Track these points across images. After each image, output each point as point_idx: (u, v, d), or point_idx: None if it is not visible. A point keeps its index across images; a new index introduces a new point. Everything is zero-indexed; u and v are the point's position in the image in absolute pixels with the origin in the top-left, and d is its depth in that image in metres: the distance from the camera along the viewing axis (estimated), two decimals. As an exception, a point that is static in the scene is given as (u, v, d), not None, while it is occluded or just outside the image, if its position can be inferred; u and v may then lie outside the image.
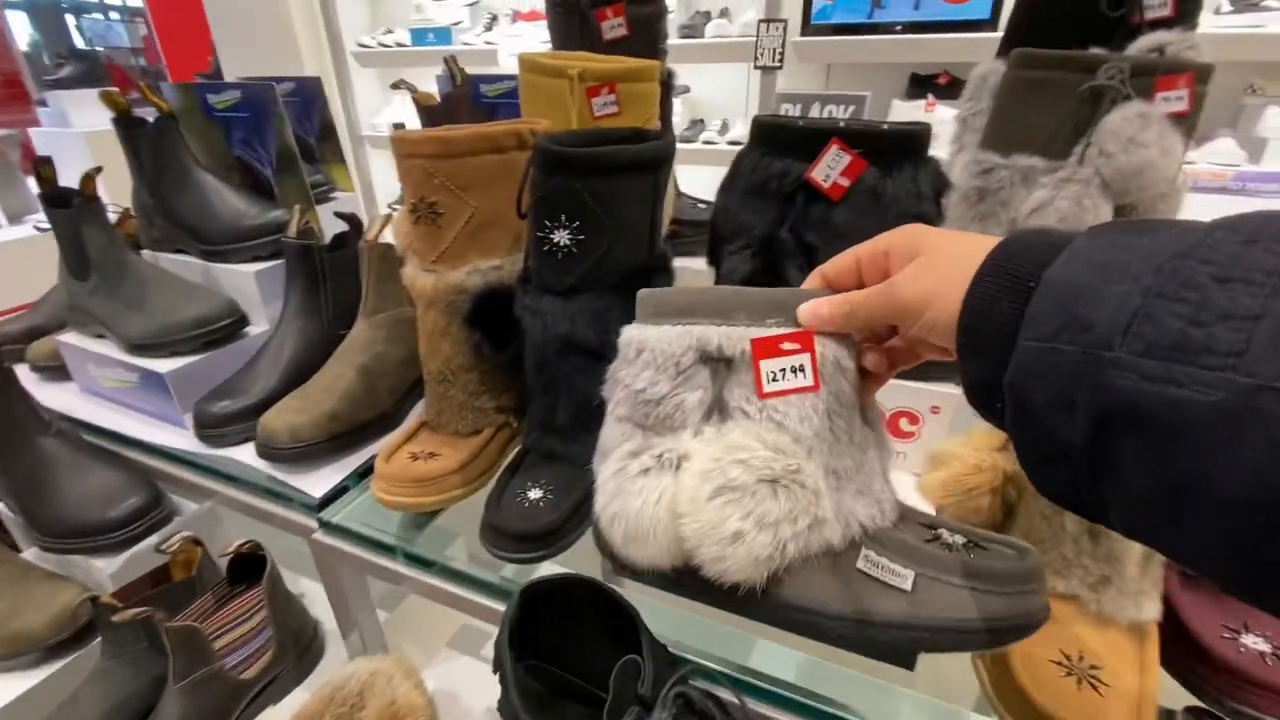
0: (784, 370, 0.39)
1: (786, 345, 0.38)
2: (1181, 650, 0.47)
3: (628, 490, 0.41)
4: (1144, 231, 0.24)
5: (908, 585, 0.38)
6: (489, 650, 0.86)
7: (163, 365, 0.81)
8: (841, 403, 0.39)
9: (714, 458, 0.38)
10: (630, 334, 0.43)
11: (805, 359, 0.38)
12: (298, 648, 0.78)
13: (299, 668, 0.79)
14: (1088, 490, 0.25)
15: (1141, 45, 0.66)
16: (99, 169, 0.84)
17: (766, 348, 0.39)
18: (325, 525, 0.68)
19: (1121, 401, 0.22)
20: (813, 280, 0.40)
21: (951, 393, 0.56)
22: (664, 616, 0.54)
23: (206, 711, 0.68)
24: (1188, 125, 0.62)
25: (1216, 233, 0.22)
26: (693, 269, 0.87)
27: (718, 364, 0.40)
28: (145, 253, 0.97)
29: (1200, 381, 0.20)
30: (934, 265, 0.32)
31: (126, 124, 0.89)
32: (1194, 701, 0.47)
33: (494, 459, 0.69)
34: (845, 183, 0.52)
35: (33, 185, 2.11)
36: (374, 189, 2.89)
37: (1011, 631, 0.36)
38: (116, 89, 0.92)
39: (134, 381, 0.84)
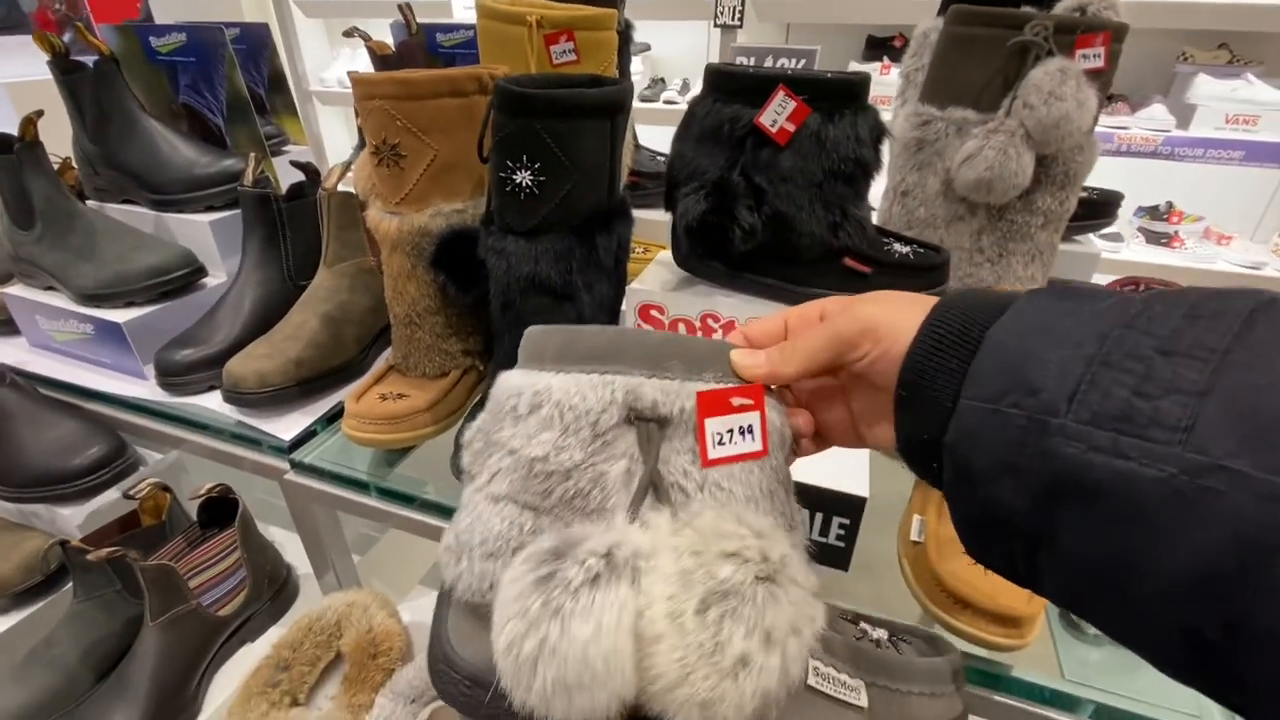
0: (730, 432, 0.31)
1: (737, 400, 0.31)
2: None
3: (567, 612, 0.26)
4: (1084, 299, 0.24)
5: (863, 700, 0.33)
6: (460, 585, 0.89)
7: (119, 315, 0.81)
8: (779, 478, 0.33)
9: (692, 551, 0.28)
10: (515, 381, 0.33)
11: (755, 418, 0.31)
12: (272, 588, 0.81)
13: (274, 607, 0.81)
14: (1024, 560, 0.24)
15: (1065, 5, 0.70)
16: (40, 112, 0.81)
17: (714, 404, 0.31)
18: (297, 465, 0.70)
19: (1067, 470, 0.21)
20: (734, 339, 0.34)
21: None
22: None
23: (185, 647, 0.70)
24: (1103, 81, 0.68)
25: (1156, 305, 0.22)
26: (652, 220, 0.90)
27: (649, 425, 0.31)
28: (90, 203, 0.95)
29: (1149, 455, 0.20)
30: (878, 301, 0.30)
31: (64, 68, 0.86)
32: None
33: (461, 400, 0.72)
34: (791, 128, 0.55)
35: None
36: (324, 147, 2.79)
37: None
38: (49, 31, 0.89)
39: (88, 333, 0.83)
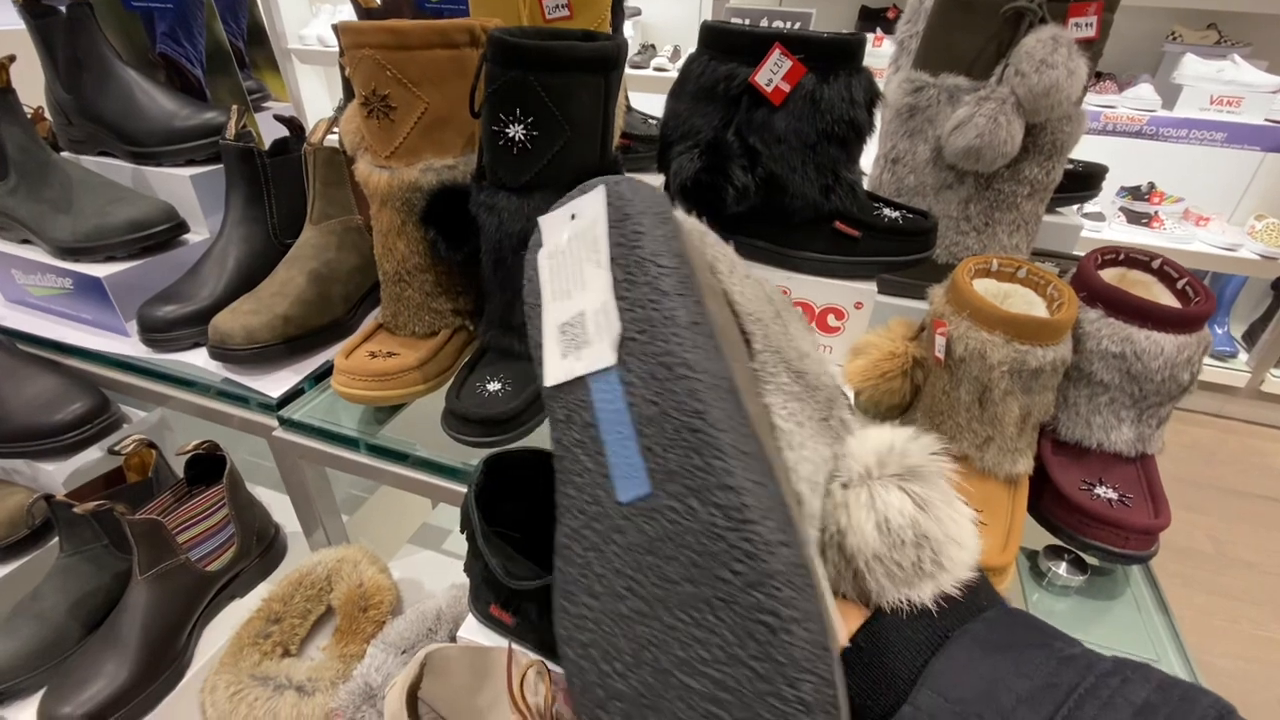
0: None
1: None
2: (1047, 500, 0.56)
3: None
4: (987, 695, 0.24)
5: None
6: (449, 544, 0.91)
7: (99, 270, 0.79)
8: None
9: None
10: None
11: None
12: (260, 545, 0.81)
13: (263, 564, 0.82)
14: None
15: (1060, -28, 0.70)
16: (12, 57, 0.78)
17: None
18: (285, 422, 0.70)
19: None
20: None
21: (868, 289, 0.62)
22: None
23: (174, 600, 0.71)
24: (1094, 51, 0.68)
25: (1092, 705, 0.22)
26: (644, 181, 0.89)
27: None
28: (66, 155, 0.92)
29: None
30: None
31: (35, 12, 0.83)
32: (1053, 541, 0.56)
33: (451, 360, 0.72)
34: (786, 87, 0.55)
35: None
36: (304, 107, 2.71)
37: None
38: (17, -28, 0.85)
39: (67, 288, 0.82)
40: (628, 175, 0.61)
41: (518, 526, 0.61)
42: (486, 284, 0.65)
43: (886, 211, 0.62)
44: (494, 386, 0.62)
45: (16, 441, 0.75)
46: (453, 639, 0.69)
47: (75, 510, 0.66)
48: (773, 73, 0.55)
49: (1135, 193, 2.20)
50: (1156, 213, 2.15)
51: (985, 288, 0.58)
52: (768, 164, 0.57)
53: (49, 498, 0.70)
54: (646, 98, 1.64)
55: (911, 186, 0.74)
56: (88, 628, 0.71)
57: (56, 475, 0.78)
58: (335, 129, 0.77)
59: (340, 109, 0.90)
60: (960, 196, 0.74)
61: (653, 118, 0.99)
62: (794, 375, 0.36)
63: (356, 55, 0.57)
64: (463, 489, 0.65)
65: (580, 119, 0.57)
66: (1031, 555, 0.57)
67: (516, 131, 0.55)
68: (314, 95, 2.77)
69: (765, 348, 0.37)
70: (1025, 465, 0.54)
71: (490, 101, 0.54)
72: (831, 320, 0.64)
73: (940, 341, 0.54)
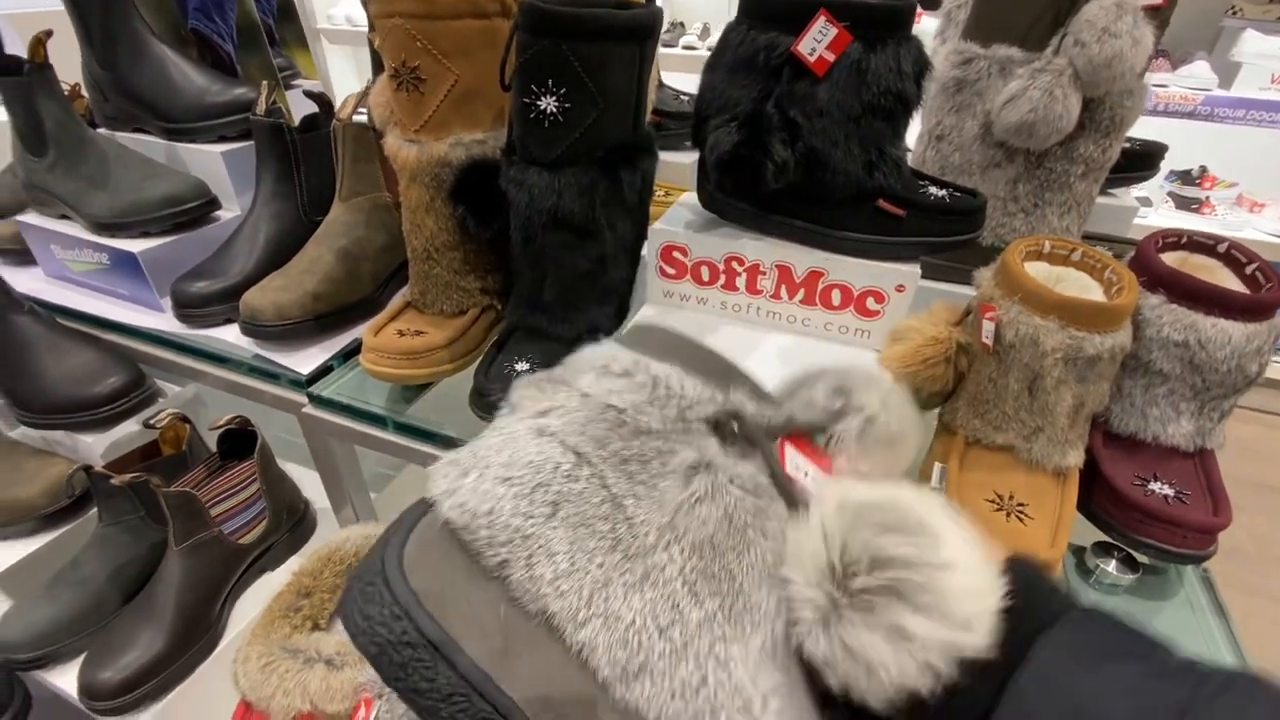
0: (801, 472, 0.32)
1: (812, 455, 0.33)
2: (1097, 495, 0.53)
3: None
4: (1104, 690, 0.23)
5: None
6: (475, 524, 0.91)
7: (134, 245, 0.80)
8: None
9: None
10: (610, 349, 0.33)
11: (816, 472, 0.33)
12: (290, 519, 0.82)
13: (292, 538, 0.83)
14: None
15: (1125, -67, 0.66)
16: (49, 32, 0.79)
17: (798, 444, 0.32)
18: (315, 399, 0.70)
19: None
20: None
21: (912, 270, 0.60)
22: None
23: (208, 572, 0.72)
24: (1161, 19, 0.64)
25: None
26: (674, 162, 0.87)
27: (736, 437, 0.31)
28: (101, 131, 0.93)
29: None
30: None
31: (71, -14, 0.83)
32: (1102, 538, 0.54)
33: (479, 340, 0.71)
34: (830, 57, 0.52)
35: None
36: (332, 87, 2.72)
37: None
38: (53, -53, 0.85)
39: (104, 263, 0.83)
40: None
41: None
42: (515, 262, 0.64)
43: (932, 189, 0.59)
44: (522, 367, 0.62)
45: (57, 413, 0.77)
46: (478, 618, 0.69)
47: (112, 481, 0.67)
48: (816, 41, 0.52)
49: (1185, 177, 2.10)
50: (1207, 198, 2.05)
51: (1037, 271, 0.55)
52: (808, 138, 0.54)
53: (88, 468, 0.72)
54: (675, 77, 1.60)
55: (957, 165, 0.71)
56: (126, 596, 0.73)
57: (95, 447, 0.79)
58: (363, 106, 0.76)
59: (370, 85, 0.89)
60: (1009, 175, 0.70)
61: (684, 94, 0.96)
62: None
63: (386, 25, 0.55)
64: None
65: (613, 91, 0.55)
66: (1078, 551, 0.55)
67: (548, 103, 0.53)
68: (342, 75, 2.76)
69: None
70: (1076, 458, 0.52)
71: (521, 71, 0.53)
72: (871, 303, 0.62)
73: (989, 326, 0.52)
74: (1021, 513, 0.50)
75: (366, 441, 0.70)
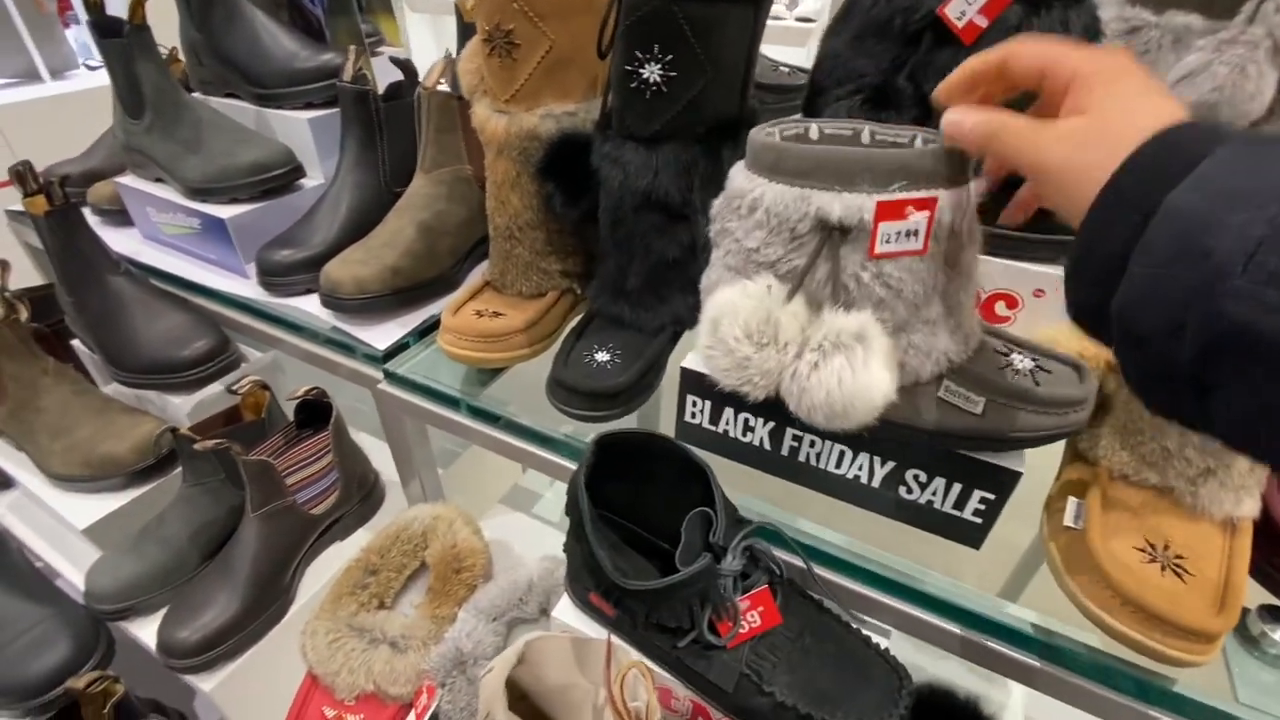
0: (899, 234, 0.38)
1: (910, 210, 0.37)
2: (1268, 550, 0.45)
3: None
4: (1275, 154, 0.24)
5: (979, 410, 0.43)
6: (540, 509, 0.89)
7: (224, 211, 0.80)
8: (947, 261, 0.40)
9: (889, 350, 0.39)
10: (741, 184, 0.42)
11: (922, 223, 0.37)
12: (360, 491, 0.83)
13: (361, 510, 0.83)
14: (1195, 407, 0.25)
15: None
16: (148, -8, 0.79)
17: (890, 211, 0.37)
18: (390, 376, 0.69)
19: (1238, 329, 0.22)
20: (963, 68, 0.36)
21: (1056, 274, 0.52)
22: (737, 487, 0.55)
23: (282, 540, 0.73)
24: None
25: None
26: (769, 140, 0.81)
27: (833, 231, 0.38)
28: (196, 95, 0.94)
29: None
30: (1089, 143, 0.29)
31: (171, -53, 0.83)
32: (1273, 601, 0.46)
33: (557, 324, 0.68)
34: (983, 22, 0.45)
35: (71, 37, 2.04)
36: (412, 57, 2.74)
37: (1051, 438, 0.43)
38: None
39: (195, 227, 0.84)
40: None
41: (623, 511, 0.57)
42: (602, 244, 0.59)
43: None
44: (602, 357, 0.58)
45: (147, 373, 0.79)
46: (543, 611, 0.67)
47: (195, 446, 0.68)
48: (968, 2, 0.45)
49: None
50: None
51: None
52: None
53: (174, 430, 0.73)
54: (765, 50, 1.49)
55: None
56: (205, 555, 0.75)
57: (182, 407, 0.81)
58: (447, 75, 0.73)
59: (450, 55, 0.87)
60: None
61: (785, 65, 0.89)
62: None
63: (482, -16, 0.51)
64: (560, 460, 0.62)
65: (724, 58, 0.50)
66: (1240, 614, 0.47)
67: (652, 72, 0.48)
68: (422, 45, 2.77)
69: None
70: (1251, 506, 0.44)
71: (626, 36, 0.48)
72: (1000, 309, 0.55)
73: (1153, 346, 0.44)
74: (1180, 567, 0.42)
75: (438, 421, 0.68)
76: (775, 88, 0.84)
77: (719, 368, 0.41)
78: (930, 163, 0.37)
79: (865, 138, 0.44)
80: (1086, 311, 0.29)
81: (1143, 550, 0.43)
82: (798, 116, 0.47)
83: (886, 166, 0.37)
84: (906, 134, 0.43)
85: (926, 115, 0.49)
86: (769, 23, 1.60)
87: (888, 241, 0.38)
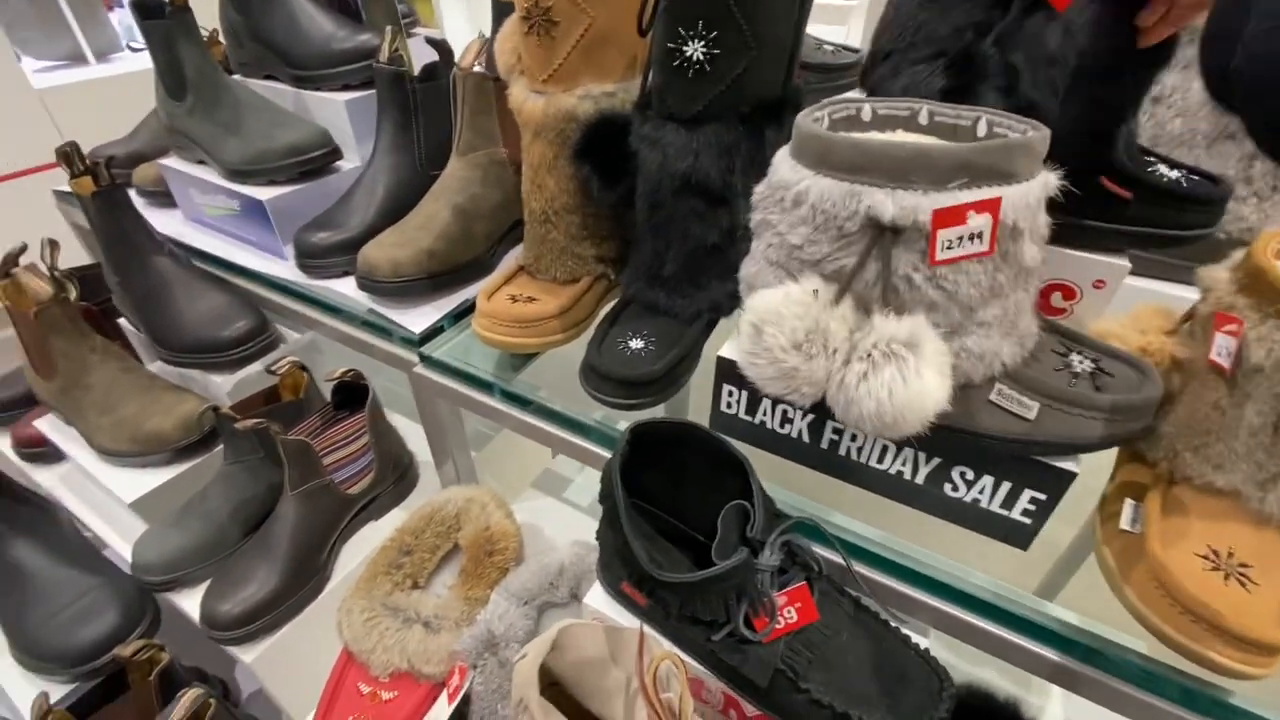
0: (960, 238, 0.35)
1: (970, 214, 0.34)
2: (1343, 561, 0.43)
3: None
4: None
5: (1032, 415, 0.41)
6: (571, 493, 0.89)
7: (263, 193, 0.81)
8: (1007, 261, 0.37)
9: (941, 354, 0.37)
10: (786, 174, 0.39)
11: (986, 224, 0.35)
12: (395, 472, 0.84)
13: (397, 490, 0.84)
14: None
15: None
16: (189, -26, 0.79)
17: (948, 217, 0.35)
18: (426, 360, 0.69)
19: None
20: None
21: (1120, 264, 0.49)
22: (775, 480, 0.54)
23: (319, 518, 0.74)
24: None
25: None
26: (810, 122, 0.78)
27: (884, 231, 0.36)
28: (235, 77, 0.95)
29: None
30: None
31: (211, -73, 0.83)
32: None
33: (590, 309, 0.67)
34: (1076, -13, 0.42)
35: (115, 20, 2.08)
36: (448, 39, 2.73)
37: (1106, 444, 0.42)
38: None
39: (236, 209, 0.85)
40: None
41: (657, 501, 0.56)
42: (638, 229, 0.58)
43: (1163, 169, 0.48)
44: (636, 344, 0.57)
45: (190, 352, 0.81)
46: (574, 596, 0.67)
47: (236, 426, 0.69)
48: (1059, -34, 0.42)
49: None
50: None
51: (1294, 273, 0.43)
52: (1028, 91, 0.44)
53: (216, 409, 0.75)
54: None
55: (1177, 134, 0.58)
56: (246, 531, 0.77)
57: (223, 386, 0.83)
58: (484, 56, 0.72)
59: (484, 36, 0.86)
60: (1243, 150, 0.57)
61: (829, 44, 0.86)
62: None
63: (521, -40, 0.50)
64: (591, 447, 0.62)
65: (770, 34, 0.48)
66: (1305, 625, 0.44)
67: (695, 49, 0.47)
68: (456, 26, 2.76)
69: None
70: (1326, 514, 0.41)
71: (669, 12, 0.46)
72: (1057, 300, 0.52)
73: (1226, 342, 0.41)
74: (1244, 576, 0.40)
75: (472, 405, 0.68)
76: (820, 67, 0.81)
77: (763, 376, 0.40)
78: (994, 157, 0.34)
79: (923, 118, 0.42)
80: (1215, 75, 0.32)
81: (1205, 557, 0.41)
82: (852, 94, 0.45)
83: (946, 164, 0.34)
84: (969, 115, 0.40)
85: (1012, 87, 0.45)
86: None
87: (949, 247, 0.36)
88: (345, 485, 0.77)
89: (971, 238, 0.35)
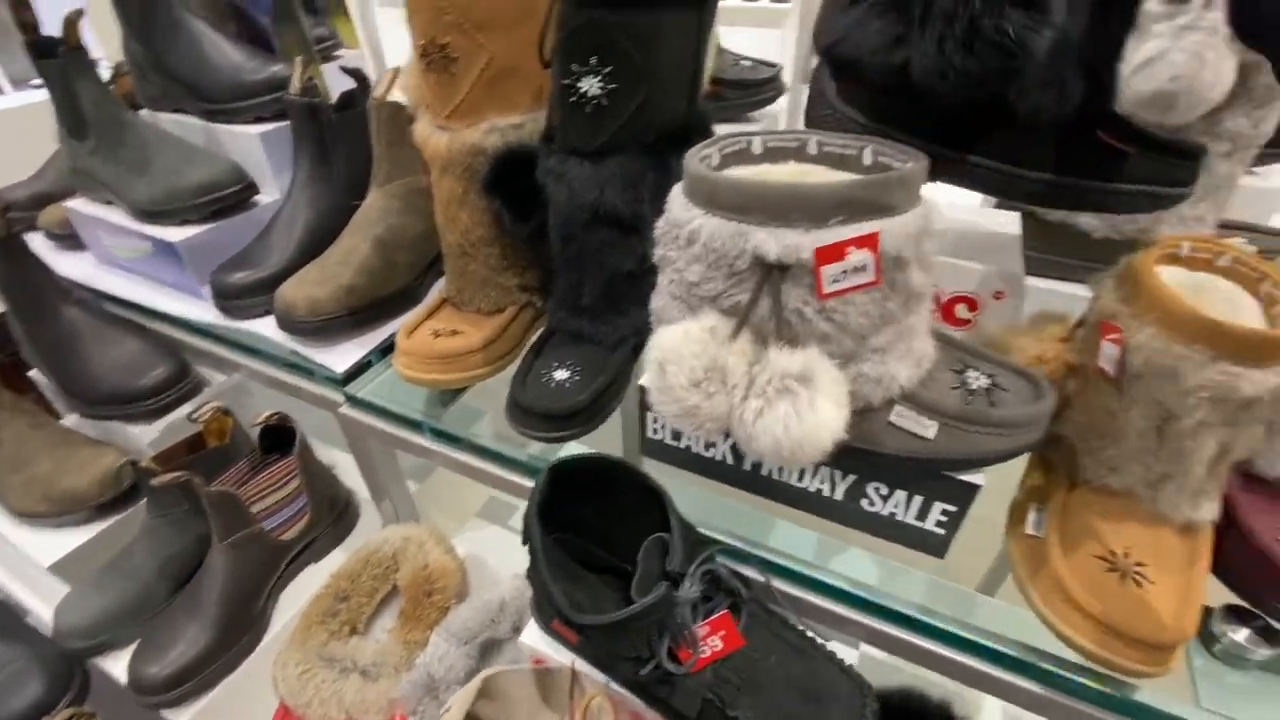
0: (845, 271, 0.36)
1: (851, 250, 0.35)
2: (1231, 550, 0.45)
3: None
4: None
5: (931, 434, 0.42)
6: (516, 521, 0.88)
7: (175, 234, 0.78)
8: (895, 289, 0.38)
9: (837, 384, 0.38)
10: (679, 213, 0.40)
11: (868, 258, 0.36)
12: (333, 513, 0.81)
13: (335, 531, 0.82)
14: None
15: None
16: (80, 12, 0.76)
17: (830, 254, 0.36)
18: (352, 400, 0.68)
19: None
20: None
21: (1016, 274, 0.51)
22: (688, 499, 0.54)
23: (251, 568, 0.72)
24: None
25: None
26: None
27: (773, 269, 0.37)
28: (144, 112, 0.91)
29: None
30: None
31: (105, -41, 0.80)
32: (1233, 599, 0.45)
33: (518, 339, 0.67)
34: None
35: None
36: (384, 57, 2.68)
37: (1004, 457, 0.42)
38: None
39: (148, 250, 0.82)
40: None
41: (587, 534, 0.56)
42: (555, 260, 0.58)
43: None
44: (561, 375, 0.57)
45: (105, 404, 0.77)
46: (517, 630, 0.66)
47: (153, 482, 0.66)
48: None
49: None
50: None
51: (1173, 278, 0.45)
52: (1019, 30, 0.37)
53: (134, 463, 0.72)
54: (734, 31, 1.43)
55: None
56: (174, 586, 0.74)
57: (143, 437, 0.80)
58: (395, 88, 0.71)
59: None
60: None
61: (747, 59, 0.87)
62: None
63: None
64: (526, 482, 0.61)
65: (667, 66, 0.48)
66: (1202, 613, 0.46)
67: (591, 85, 0.47)
68: (396, 42, 2.71)
69: None
70: (1210, 510, 0.43)
71: (563, 48, 0.46)
72: (962, 311, 0.54)
73: (1111, 350, 0.43)
74: (1140, 575, 0.42)
75: (403, 445, 0.67)
76: (738, 83, 0.82)
77: (670, 413, 0.40)
78: (871, 192, 0.35)
79: (812, 148, 0.43)
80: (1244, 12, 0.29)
81: (1103, 558, 0.43)
82: (754, 129, 0.45)
83: (824, 202, 0.35)
84: (855, 145, 0.41)
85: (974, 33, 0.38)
86: (740, 6, 1.52)
87: (835, 281, 0.37)
88: (278, 531, 0.75)
89: (856, 270, 0.36)
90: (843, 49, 0.45)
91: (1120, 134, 0.44)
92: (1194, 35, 0.51)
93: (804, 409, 0.36)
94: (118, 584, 0.72)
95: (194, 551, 0.74)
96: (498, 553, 0.81)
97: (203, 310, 0.79)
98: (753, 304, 0.38)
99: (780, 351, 0.38)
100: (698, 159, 0.40)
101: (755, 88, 0.83)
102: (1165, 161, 0.45)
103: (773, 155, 0.44)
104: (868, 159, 0.41)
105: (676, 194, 0.41)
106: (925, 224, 0.37)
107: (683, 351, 0.38)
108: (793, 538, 0.53)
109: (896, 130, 0.49)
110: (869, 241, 0.35)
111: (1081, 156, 0.45)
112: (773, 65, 0.85)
